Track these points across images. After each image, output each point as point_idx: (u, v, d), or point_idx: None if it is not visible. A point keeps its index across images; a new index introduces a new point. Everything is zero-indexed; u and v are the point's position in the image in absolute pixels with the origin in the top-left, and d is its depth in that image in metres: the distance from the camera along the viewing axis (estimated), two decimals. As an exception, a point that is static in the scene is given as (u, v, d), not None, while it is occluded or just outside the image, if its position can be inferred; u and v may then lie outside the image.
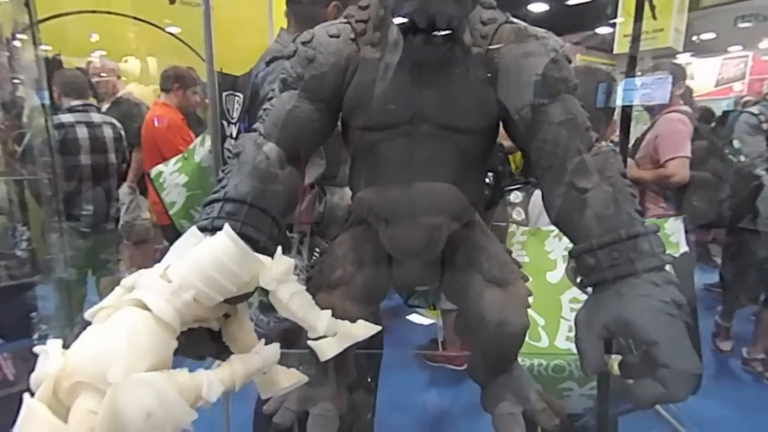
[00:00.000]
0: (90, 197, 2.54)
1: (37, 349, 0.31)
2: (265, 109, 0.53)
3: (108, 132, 2.56)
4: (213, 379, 0.32)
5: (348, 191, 1.18)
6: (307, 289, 0.43)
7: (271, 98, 0.53)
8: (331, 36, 0.50)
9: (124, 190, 2.97)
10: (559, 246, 1.32)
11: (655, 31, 2.77)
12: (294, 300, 0.38)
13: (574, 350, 1.26)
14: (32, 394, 0.29)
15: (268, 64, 1.18)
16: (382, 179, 0.52)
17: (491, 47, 0.47)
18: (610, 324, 0.45)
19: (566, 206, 0.48)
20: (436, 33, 0.43)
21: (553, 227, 1.49)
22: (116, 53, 3.50)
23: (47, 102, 2.22)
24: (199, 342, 0.40)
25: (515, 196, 1.88)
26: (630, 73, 0.81)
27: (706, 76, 3.96)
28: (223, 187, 0.50)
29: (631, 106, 0.93)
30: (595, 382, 1.06)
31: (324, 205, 1.17)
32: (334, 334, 0.39)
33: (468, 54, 0.47)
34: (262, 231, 0.47)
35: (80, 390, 0.29)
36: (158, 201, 2.44)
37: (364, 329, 0.41)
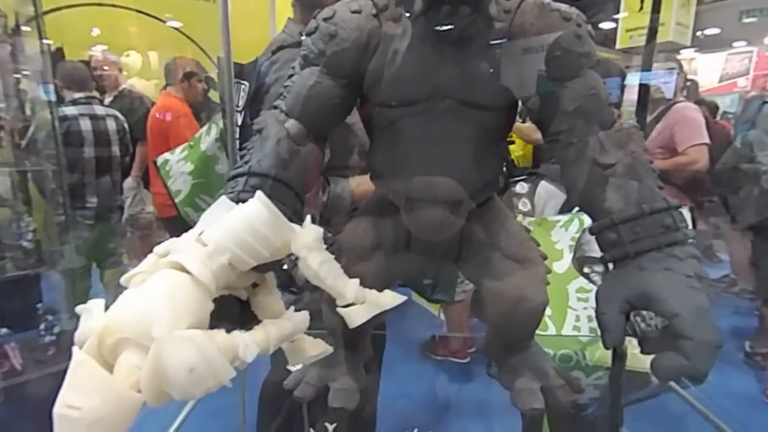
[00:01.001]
0: (94, 190, 2.54)
1: (78, 308, 0.31)
2: (285, 86, 0.54)
3: (111, 124, 2.56)
4: (249, 341, 0.33)
5: (351, 182, 1.19)
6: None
7: (291, 75, 0.54)
8: (353, 12, 0.50)
9: (128, 183, 2.97)
10: (565, 236, 1.33)
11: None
12: (323, 267, 0.38)
13: (582, 340, 1.26)
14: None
15: (273, 53, 1.19)
16: (402, 156, 0.52)
17: (514, 22, 0.48)
18: (631, 297, 0.45)
19: (587, 182, 0.48)
20: (461, 7, 0.43)
21: (559, 217, 1.50)
22: (117, 47, 3.49)
23: (53, 95, 2.22)
24: (229, 309, 0.40)
25: (521, 187, 1.89)
26: (646, 65, 0.80)
27: (710, 71, 3.96)
28: (246, 162, 0.50)
29: (648, 95, 0.93)
30: (601, 372, 1.07)
31: (327, 195, 1.18)
32: (362, 302, 0.40)
33: (491, 29, 0.48)
34: (287, 204, 0.48)
35: (123, 347, 0.29)
36: (160, 193, 2.45)
37: (391, 298, 0.42)
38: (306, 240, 0.37)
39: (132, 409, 0.28)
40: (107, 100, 3.08)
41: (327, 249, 0.58)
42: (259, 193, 0.36)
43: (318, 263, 0.38)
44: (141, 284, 0.33)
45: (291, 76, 0.54)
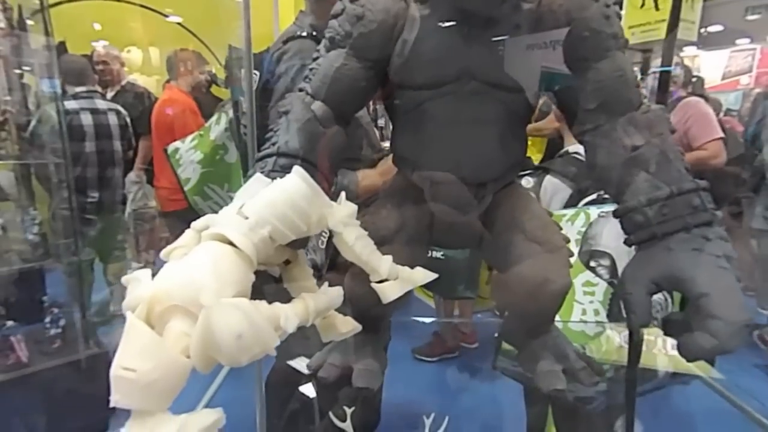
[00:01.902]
0: (95, 184, 2.54)
1: (125, 279, 0.32)
2: (311, 69, 0.54)
3: (113, 119, 2.54)
4: (290, 312, 0.33)
5: (358, 175, 1.19)
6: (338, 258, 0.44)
7: (316, 58, 0.54)
8: None
9: (131, 178, 2.97)
10: (571, 230, 1.33)
11: (657, 22, 2.75)
12: (358, 243, 0.39)
13: (588, 333, 1.26)
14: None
15: (284, 43, 1.20)
16: (427, 139, 0.53)
17: (542, 2, 0.48)
18: (659, 278, 0.45)
19: (614, 164, 0.48)
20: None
21: (565, 211, 1.51)
22: (118, 43, 3.48)
23: (59, 89, 2.21)
24: (264, 285, 0.40)
25: (527, 182, 1.89)
26: (667, 57, 0.80)
27: (714, 68, 3.96)
28: (273, 144, 0.51)
29: (668, 83, 0.93)
30: (607, 366, 1.07)
31: (334, 186, 1.18)
32: (395, 278, 0.40)
33: (518, 10, 0.48)
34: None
35: (171, 314, 0.30)
36: (163, 187, 2.44)
37: (423, 275, 0.42)
38: (342, 215, 0.38)
39: (182, 374, 0.28)
40: (110, 94, 3.07)
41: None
42: (297, 168, 0.36)
43: (353, 238, 0.38)
44: (181, 257, 0.34)
45: (316, 59, 0.54)
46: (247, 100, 1.03)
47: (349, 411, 0.67)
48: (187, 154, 1.45)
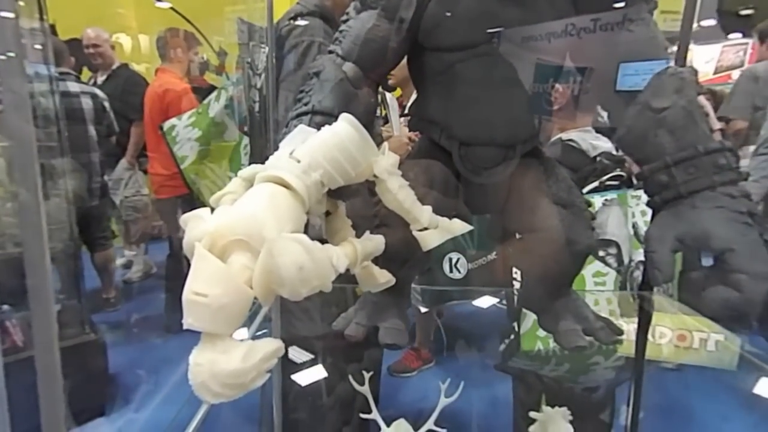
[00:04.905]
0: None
1: (184, 217, 0.32)
2: (341, 31, 0.54)
3: (87, 102, 2.43)
4: (340, 253, 0.34)
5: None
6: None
7: (346, 20, 0.54)
8: None
9: (122, 165, 2.92)
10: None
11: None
12: (402, 191, 0.39)
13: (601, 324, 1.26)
14: (186, 260, 0.30)
15: (292, 19, 1.20)
16: (457, 100, 0.53)
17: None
18: (683, 236, 0.46)
19: (639, 126, 0.49)
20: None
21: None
22: (107, 30, 3.40)
23: (53, 72, 2.15)
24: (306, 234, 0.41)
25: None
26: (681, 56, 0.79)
27: (706, 63, 4.00)
28: (305, 104, 0.51)
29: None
30: (618, 354, 1.08)
31: None
32: (435, 227, 0.41)
33: None
34: None
35: (234, 249, 0.30)
36: (157, 174, 2.38)
37: (461, 226, 0.43)
38: (387, 164, 0.38)
39: (246, 303, 0.29)
40: (100, 78, 2.99)
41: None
42: (347, 115, 0.37)
43: (397, 187, 0.39)
44: (231, 203, 0.34)
45: (346, 20, 0.54)
46: (269, 72, 1.02)
47: (367, 375, 0.68)
48: (185, 131, 1.42)
